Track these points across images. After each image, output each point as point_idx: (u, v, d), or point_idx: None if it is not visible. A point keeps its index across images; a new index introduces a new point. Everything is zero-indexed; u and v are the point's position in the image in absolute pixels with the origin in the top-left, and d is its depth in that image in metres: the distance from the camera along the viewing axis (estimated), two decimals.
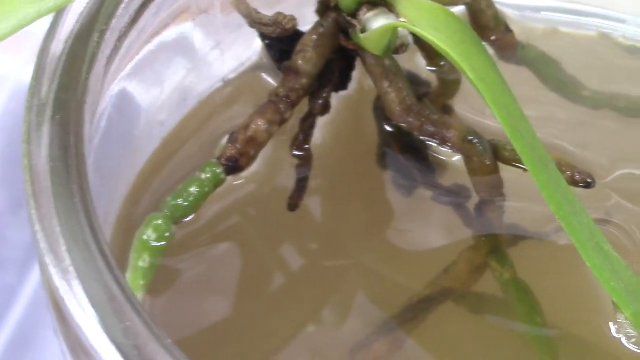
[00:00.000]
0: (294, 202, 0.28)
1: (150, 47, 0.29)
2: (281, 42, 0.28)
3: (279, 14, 0.28)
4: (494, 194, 0.28)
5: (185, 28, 0.30)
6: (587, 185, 0.27)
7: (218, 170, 0.27)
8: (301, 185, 0.29)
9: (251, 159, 0.27)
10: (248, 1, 0.29)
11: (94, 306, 0.21)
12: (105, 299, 0.22)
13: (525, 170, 0.25)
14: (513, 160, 0.27)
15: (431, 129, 0.28)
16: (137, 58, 0.28)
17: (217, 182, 0.27)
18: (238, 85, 0.31)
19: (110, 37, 0.26)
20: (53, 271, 0.22)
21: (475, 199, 0.28)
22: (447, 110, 0.30)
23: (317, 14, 0.28)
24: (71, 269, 0.22)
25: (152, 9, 0.28)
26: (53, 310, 0.23)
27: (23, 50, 0.51)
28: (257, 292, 0.28)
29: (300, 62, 0.27)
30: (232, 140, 0.27)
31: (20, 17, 0.23)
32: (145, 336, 0.21)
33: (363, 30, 0.26)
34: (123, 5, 0.26)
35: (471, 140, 0.27)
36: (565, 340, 0.27)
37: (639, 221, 0.29)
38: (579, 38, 0.33)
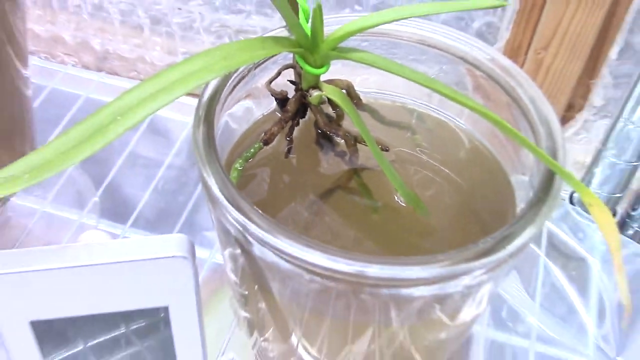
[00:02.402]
0: (286, 155, 0.28)
1: (235, 107, 0.28)
2: (282, 101, 0.27)
3: (282, 90, 0.27)
4: (354, 153, 0.28)
5: (248, 102, 0.29)
6: (386, 150, 0.27)
7: (260, 144, 0.27)
8: (290, 149, 0.28)
9: (272, 140, 0.27)
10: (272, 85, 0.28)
11: (218, 186, 0.22)
12: (222, 183, 0.22)
13: (366, 145, 0.25)
14: (362, 142, 0.27)
15: (334, 131, 0.27)
16: (230, 110, 0.27)
17: (260, 148, 0.27)
18: (268, 116, 0.29)
19: (221, 99, 0.26)
20: (206, 175, 0.23)
21: (348, 155, 0.28)
22: (339, 125, 0.28)
23: (294, 91, 0.27)
24: (210, 174, 0.23)
25: (236, 92, 0.27)
26: (205, 191, 0.23)
27: (192, 112, 0.48)
28: (275, 188, 0.27)
29: (288, 107, 0.27)
30: (265, 133, 0.27)
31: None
32: (237, 197, 0.22)
33: (310, 96, 0.26)
34: (225, 89, 0.26)
35: (348, 135, 0.27)
36: (383, 206, 0.26)
37: (409, 161, 0.28)
38: (387, 105, 0.30)
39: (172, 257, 0.22)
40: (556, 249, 0.40)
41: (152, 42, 0.50)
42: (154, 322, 0.25)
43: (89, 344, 0.25)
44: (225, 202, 0.22)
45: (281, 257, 0.21)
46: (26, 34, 0.30)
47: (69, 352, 0.25)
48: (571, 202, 0.42)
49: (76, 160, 0.19)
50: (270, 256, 0.22)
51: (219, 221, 0.23)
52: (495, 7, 0.37)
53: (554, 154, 0.23)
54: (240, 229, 0.22)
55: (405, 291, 0.21)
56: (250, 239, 0.22)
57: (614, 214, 0.43)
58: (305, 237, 0.21)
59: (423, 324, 0.25)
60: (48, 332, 0.24)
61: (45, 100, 0.44)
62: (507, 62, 0.26)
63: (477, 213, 0.26)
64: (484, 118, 0.22)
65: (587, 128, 0.47)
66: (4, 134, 0.30)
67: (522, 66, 0.44)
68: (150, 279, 0.22)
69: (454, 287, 0.21)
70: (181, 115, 0.45)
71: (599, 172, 0.40)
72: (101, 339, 0.25)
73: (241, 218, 0.21)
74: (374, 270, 0.20)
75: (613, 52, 0.41)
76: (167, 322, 0.24)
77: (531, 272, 0.38)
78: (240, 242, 0.23)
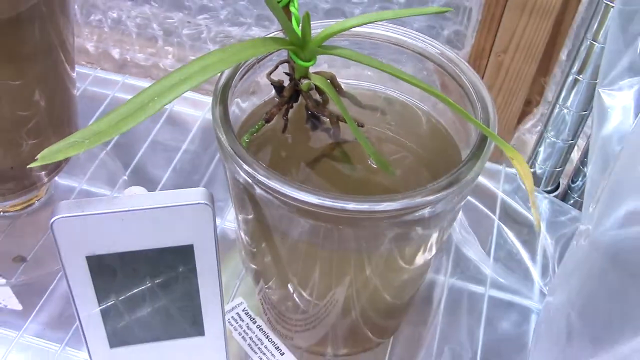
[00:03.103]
0: (284, 130, 0.29)
1: (242, 95, 0.29)
2: (279, 88, 0.29)
3: (279, 80, 0.29)
4: (337, 129, 0.29)
5: (253, 98, 0.31)
6: (362, 126, 0.29)
7: (263, 121, 0.29)
8: (285, 126, 0.29)
9: (272, 119, 0.29)
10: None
11: (229, 145, 0.25)
12: (234, 145, 0.25)
13: (346, 123, 0.27)
14: (343, 120, 0.28)
15: (321, 112, 0.29)
16: (239, 98, 0.29)
17: (263, 125, 0.29)
18: (267, 102, 0.31)
19: (233, 86, 0.28)
20: (223, 140, 0.25)
21: (332, 131, 0.30)
22: (325, 107, 0.29)
23: (289, 80, 0.29)
24: (226, 139, 0.25)
25: (243, 81, 0.29)
26: (221, 153, 0.25)
27: (203, 107, 0.49)
28: (274, 156, 0.29)
29: (284, 93, 0.28)
30: (267, 114, 0.29)
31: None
32: (245, 154, 0.25)
33: (301, 84, 0.28)
34: (236, 77, 0.28)
35: (331, 115, 0.29)
36: (359, 169, 0.28)
37: (380, 135, 0.30)
38: (362, 91, 0.32)
39: (197, 204, 0.24)
40: (510, 217, 0.44)
41: (164, 51, 0.53)
42: (176, 277, 0.27)
43: (135, 290, 0.27)
44: (237, 158, 0.25)
45: (280, 199, 0.24)
46: (74, 44, 0.33)
47: (107, 305, 0.27)
48: None
49: (124, 130, 0.22)
50: (272, 200, 0.24)
51: (231, 175, 0.26)
52: (440, 13, 0.41)
53: (487, 122, 0.27)
54: (249, 179, 0.25)
55: (376, 224, 0.24)
56: (255, 185, 0.24)
57: (558, 186, 0.47)
58: (299, 183, 0.23)
59: (391, 264, 0.27)
60: (100, 267, 0.26)
61: (80, 97, 0.45)
62: (452, 54, 0.29)
63: (433, 175, 0.29)
64: (433, 96, 0.25)
65: (543, 121, 0.50)
66: (57, 123, 0.34)
67: (485, 68, 0.48)
68: (180, 222, 0.25)
69: (411, 217, 0.24)
70: (194, 110, 0.48)
71: (542, 151, 0.44)
72: (136, 291, 0.27)
73: (249, 169, 0.24)
74: (353, 205, 0.23)
75: (563, 54, 0.44)
76: (189, 271, 0.26)
77: (488, 234, 0.42)
78: (247, 190, 0.25)
